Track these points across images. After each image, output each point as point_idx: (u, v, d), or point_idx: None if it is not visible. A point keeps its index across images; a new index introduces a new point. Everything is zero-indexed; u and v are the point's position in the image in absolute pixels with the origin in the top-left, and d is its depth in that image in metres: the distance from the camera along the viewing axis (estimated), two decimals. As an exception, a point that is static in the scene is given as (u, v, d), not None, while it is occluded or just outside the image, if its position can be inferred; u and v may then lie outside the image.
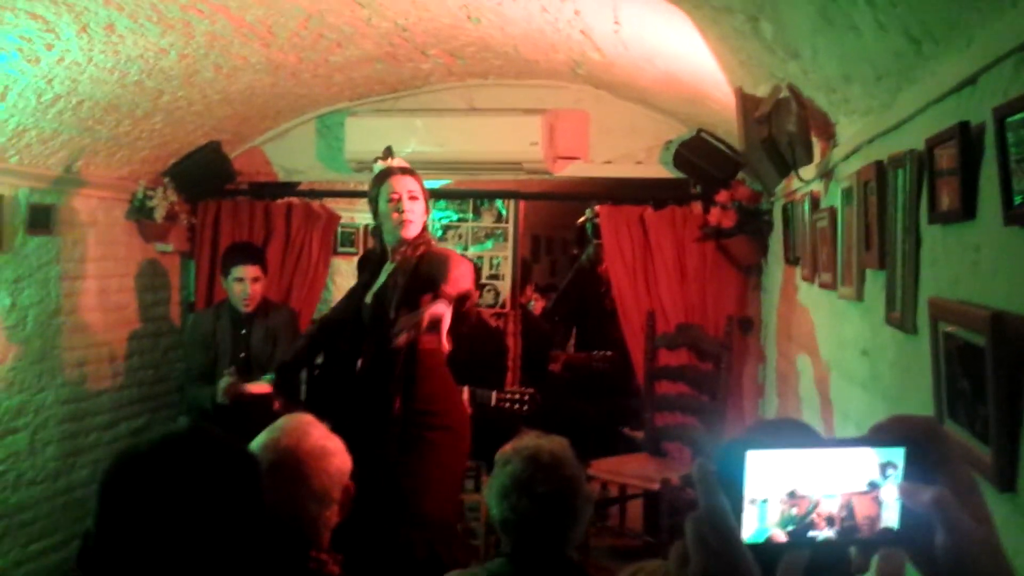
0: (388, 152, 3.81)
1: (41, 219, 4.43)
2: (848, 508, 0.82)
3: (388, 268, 3.72)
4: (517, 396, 4.61)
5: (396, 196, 3.66)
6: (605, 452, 5.33)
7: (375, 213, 3.77)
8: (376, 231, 3.85)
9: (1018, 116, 1.41)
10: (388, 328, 3.47)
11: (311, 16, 3.76)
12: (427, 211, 3.77)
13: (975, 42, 1.66)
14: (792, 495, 0.81)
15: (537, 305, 7.66)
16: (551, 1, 3.45)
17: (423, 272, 3.56)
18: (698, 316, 5.03)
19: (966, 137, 1.66)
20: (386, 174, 3.71)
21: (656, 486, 4.60)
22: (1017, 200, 1.44)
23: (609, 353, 7.00)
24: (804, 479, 0.81)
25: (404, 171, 3.74)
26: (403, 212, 3.65)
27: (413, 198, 3.68)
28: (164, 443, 1.58)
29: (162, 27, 3.53)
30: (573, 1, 3.40)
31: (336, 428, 2.29)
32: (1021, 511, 1.49)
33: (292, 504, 2.07)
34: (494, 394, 4.58)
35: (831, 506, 0.82)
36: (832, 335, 3.15)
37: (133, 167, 4.94)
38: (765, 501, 0.81)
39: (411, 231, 3.65)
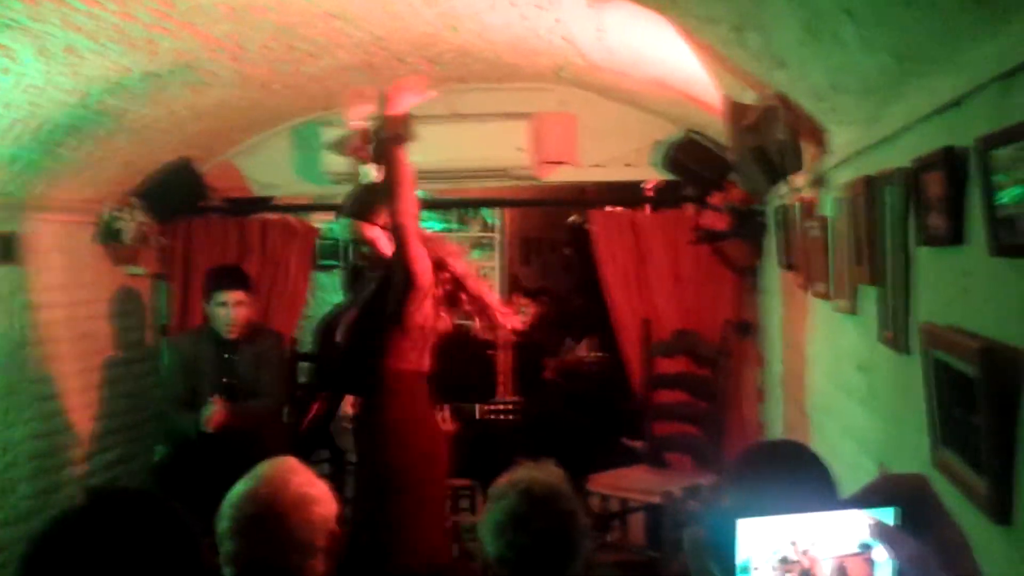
0: None
1: (3, 248, 4.43)
2: (841, 571, 0.87)
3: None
4: (502, 407, 4.68)
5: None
6: (604, 464, 5.39)
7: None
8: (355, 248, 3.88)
9: (1002, 149, 1.47)
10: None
11: (282, 29, 3.79)
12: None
13: (960, 65, 1.72)
14: (784, 560, 0.86)
15: (529, 310, 7.70)
16: (531, 9, 3.50)
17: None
18: (694, 321, 5.09)
19: (951, 162, 1.72)
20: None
21: (658, 499, 4.64)
22: (1002, 231, 1.50)
23: (600, 355, 7.06)
24: (796, 542, 0.86)
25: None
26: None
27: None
28: (67, 521, 1.58)
29: (124, 46, 3.55)
30: (554, 9, 3.45)
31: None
32: (1016, 544, 1.54)
33: (275, 556, 2.10)
34: (478, 407, 4.64)
35: (824, 570, 0.87)
36: (829, 346, 3.21)
37: (99, 188, 4.96)
38: (756, 568, 0.86)
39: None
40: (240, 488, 2.19)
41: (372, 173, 3.82)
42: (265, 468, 2.25)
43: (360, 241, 3.70)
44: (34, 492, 4.66)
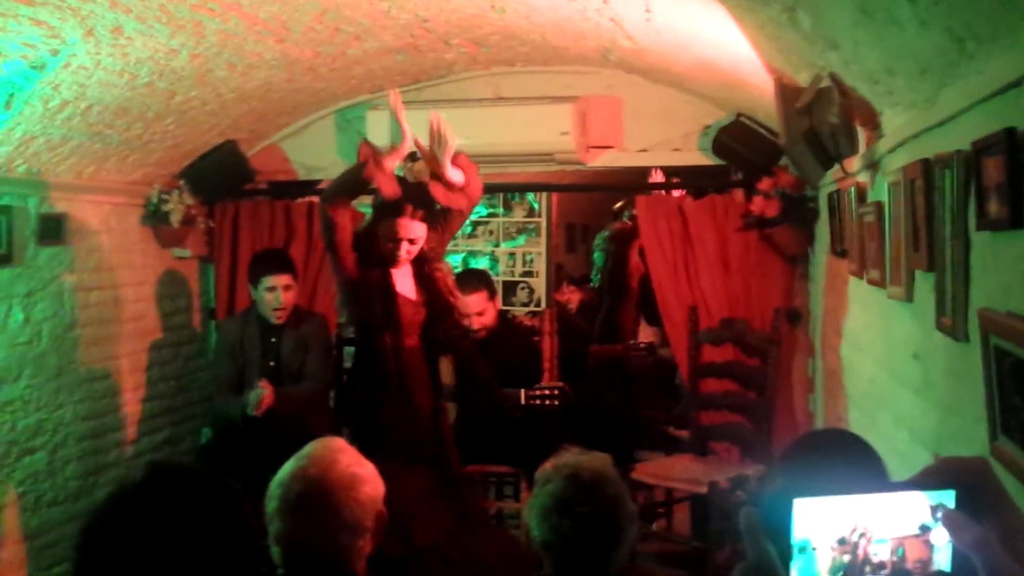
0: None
1: (52, 229, 4.52)
2: (899, 553, 0.86)
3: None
4: (547, 392, 4.66)
5: (399, 238, 4.00)
6: (648, 453, 5.38)
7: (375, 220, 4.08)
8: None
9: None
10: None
11: (327, 10, 3.81)
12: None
13: (1020, 44, 1.68)
14: (842, 541, 0.85)
15: (574, 298, 7.70)
16: (578, -10, 3.49)
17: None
18: (743, 309, 5.05)
19: (1012, 145, 1.68)
20: (397, 211, 3.97)
21: (704, 489, 4.62)
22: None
23: (644, 343, 7.03)
24: (854, 524, 0.85)
25: (414, 214, 3.99)
26: (398, 257, 4.04)
27: (413, 242, 4.03)
28: (128, 493, 1.62)
29: (172, 27, 3.60)
30: (601, -11, 3.44)
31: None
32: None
33: (323, 536, 2.12)
34: (523, 392, 4.63)
35: (882, 551, 0.85)
36: (882, 335, 3.17)
37: (146, 171, 5.03)
38: (814, 548, 0.85)
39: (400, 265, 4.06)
40: (288, 468, 2.22)
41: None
42: (313, 448, 2.27)
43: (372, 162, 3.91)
44: (82, 473, 4.76)
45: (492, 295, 5.07)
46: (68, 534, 4.62)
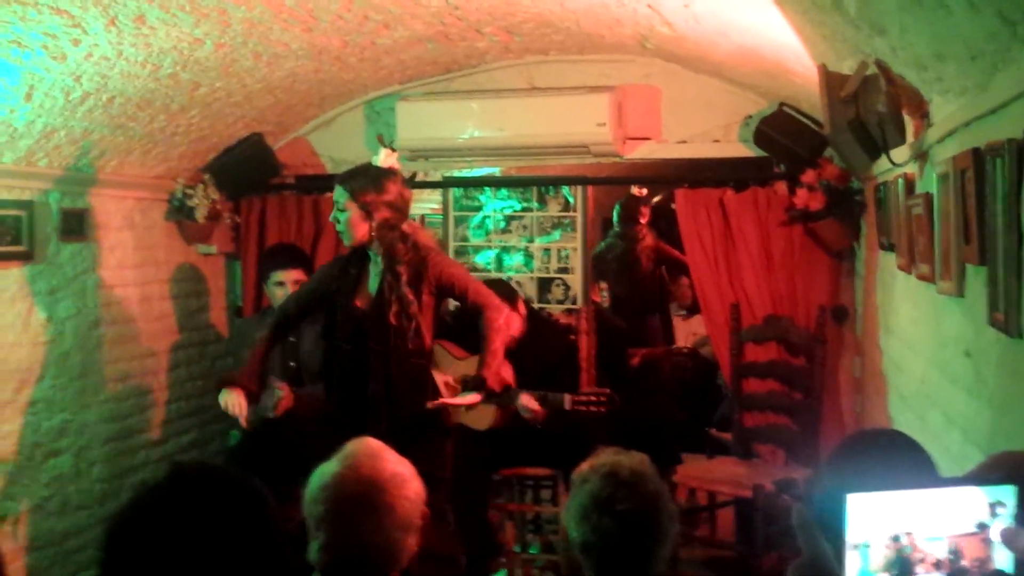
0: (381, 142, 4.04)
1: (74, 225, 4.57)
2: (955, 551, 0.85)
3: (375, 270, 3.93)
4: (594, 397, 4.64)
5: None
6: (690, 455, 5.36)
7: None
8: None
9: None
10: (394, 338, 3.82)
11: (356, -2, 3.83)
12: (366, 215, 3.87)
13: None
14: (896, 538, 0.85)
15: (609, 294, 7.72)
16: (613, -25, 3.49)
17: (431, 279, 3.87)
18: (787, 307, 5.03)
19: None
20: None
21: (748, 493, 4.60)
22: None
23: (687, 347, 7.02)
24: (908, 521, 0.84)
25: (341, 180, 3.93)
26: (337, 224, 3.93)
27: (341, 210, 3.89)
28: (152, 494, 1.65)
29: (196, 16, 3.63)
30: (638, -25, 3.43)
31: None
32: None
33: (379, 535, 2.19)
34: (568, 397, 4.61)
35: (937, 549, 0.85)
36: (932, 331, 3.15)
37: (170, 164, 5.07)
38: (868, 545, 0.84)
39: (346, 241, 3.92)
40: (332, 470, 2.27)
41: (382, 155, 3.92)
42: (354, 449, 2.33)
43: (340, 210, 3.85)
44: (108, 475, 4.82)
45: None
46: (96, 538, 4.65)
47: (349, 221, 3.83)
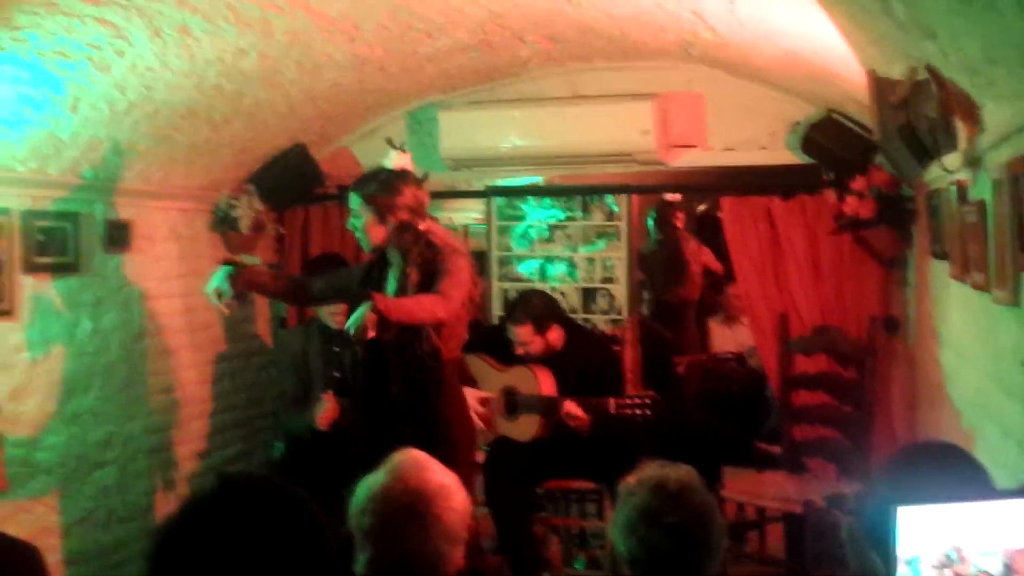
0: (390, 143, 4.08)
1: (120, 236, 4.62)
2: (1009, 565, 0.83)
3: (393, 274, 3.95)
4: (639, 401, 4.60)
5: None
6: (739, 469, 5.30)
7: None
8: None
9: None
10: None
11: (398, 8, 3.86)
12: (381, 219, 3.88)
13: None
14: (948, 553, 0.83)
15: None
16: (657, -18, 3.48)
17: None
18: (836, 317, 4.98)
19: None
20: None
21: (798, 508, 4.54)
22: None
23: (733, 354, 6.96)
24: (960, 535, 0.83)
25: (355, 184, 3.95)
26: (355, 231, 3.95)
27: (356, 216, 3.91)
28: (201, 505, 1.66)
29: (239, 27, 3.66)
30: (681, -19, 3.42)
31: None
32: None
33: (426, 546, 2.20)
34: (613, 401, 4.58)
35: (990, 564, 0.83)
36: (987, 342, 3.10)
37: (214, 176, 5.11)
38: (919, 559, 0.83)
39: (366, 245, 3.95)
40: (379, 481, 2.28)
41: (393, 157, 3.93)
42: (400, 461, 2.34)
43: (355, 217, 3.89)
44: (152, 488, 4.86)
45: (541, 328, 4.86)
46: (140, 551, 4.67)
47: (365, 226, 3.87)
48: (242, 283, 4.01)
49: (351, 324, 3.54)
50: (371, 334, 3.55)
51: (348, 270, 4.33)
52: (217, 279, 3.95)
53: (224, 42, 3.77)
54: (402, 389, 3.87)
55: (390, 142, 4.65)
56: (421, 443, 2.60)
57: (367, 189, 3.87)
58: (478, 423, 4.70)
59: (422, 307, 3.73)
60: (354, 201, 3.89)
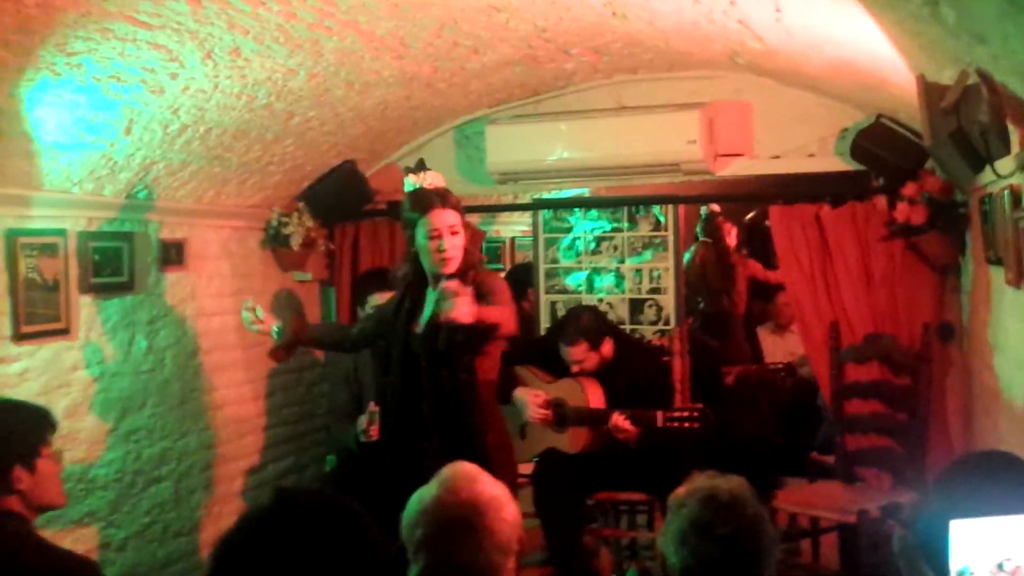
0: (420, 165, 3.88)
1: (173, 254, 4.70)
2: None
3: (432, 296, 3.74)
4: (686, 413, 4.60)
5: (436, 233, 3.71)
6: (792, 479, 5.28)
7: (410, 240, 3.83)
8: (411, 255, 3.90)
9: None
10: (444, 363, 3.73)
11: (445, 25, 3.89)
12: (468, 240, 3.83)
13: None
14: (1001, 566, 0.83)
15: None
16: (703, -8, 3.49)
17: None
18: (889, 325, 4.93)
19: None
20: (426, 205, 3.74)
21: (852, 518, 4.51)
22: None
23: (783, 364, 6.92)
24: (1013, 547, 0.83)
25: (445, 203, 3.76)
26: (444, 251, 3.72)
27: (454, 233, 3.74)
28: (259, 518, 1.69)
29: (289, 47, 3.72)
30: (727, -9, 3.43)
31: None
32: None
33: (480, 558, 2.21)
34: (660, 414, 4.58)
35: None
36: (1044, 348, 3.07)
37: (266, 194, 5.19)
38: (968, 569, 0.83)
39: (451, 267, 3.72)
40: (431, 493, 2.29)
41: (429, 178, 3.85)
42: (451, 472, 2.35)
43: (453, 233, 3.74)
44: (207, 502, 4.92)
45: (596, 344, 4.92)
46: (195, 565, 4.77)
47: (463, 244, 3.77)
48: (290, 345, 4.16)
49: (443, 307, 3.41)
50: (467, 318, 3.41)
51: (379, 309, 4.26)
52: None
53: (274, 63, 3.82)
54: (432, 405, 3.80)
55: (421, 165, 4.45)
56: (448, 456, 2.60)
57: (459, 203, 3.79)
58: (538, 418, 4.81)
59: (502, 313, 3.66)
60: (453, 217, 3.74)
